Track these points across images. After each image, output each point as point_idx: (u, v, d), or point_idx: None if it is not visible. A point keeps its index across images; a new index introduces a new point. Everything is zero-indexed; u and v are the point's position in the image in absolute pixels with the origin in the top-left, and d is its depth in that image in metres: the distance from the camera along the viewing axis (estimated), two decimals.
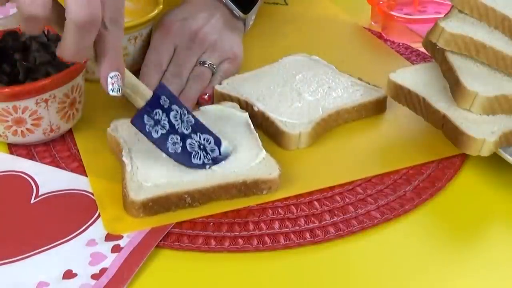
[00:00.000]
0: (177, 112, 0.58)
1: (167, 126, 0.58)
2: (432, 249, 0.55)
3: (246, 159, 0.59)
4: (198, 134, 0.59)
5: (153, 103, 0.57)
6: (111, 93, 0.54)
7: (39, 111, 0.62)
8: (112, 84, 0.54)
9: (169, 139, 0.57)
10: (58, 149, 0.65)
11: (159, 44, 0.73)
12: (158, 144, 0.58)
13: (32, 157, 0.64)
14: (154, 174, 0.57)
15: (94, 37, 0.52)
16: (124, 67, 0.55)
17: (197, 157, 0.58)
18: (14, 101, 0.61)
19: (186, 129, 0.58)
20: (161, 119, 0.57)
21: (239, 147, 0.61)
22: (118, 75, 0.54)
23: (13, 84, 0.61)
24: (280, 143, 0.65)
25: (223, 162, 0.59)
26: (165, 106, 0.58)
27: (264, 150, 0.60)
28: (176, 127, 0.58)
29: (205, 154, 0.58)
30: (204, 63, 0.73)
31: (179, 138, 0.58)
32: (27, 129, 0.63)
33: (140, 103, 0.57)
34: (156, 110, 0.57)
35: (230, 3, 0.79)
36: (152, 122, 0.57)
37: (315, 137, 0.66)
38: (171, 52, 0.74)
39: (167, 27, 0.75)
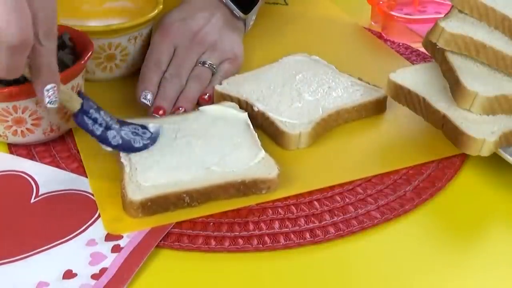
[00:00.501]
0: (103, 111, 0.62)
1: (104, 123, 0.61)
2: (432, 249, 0.55)
3: (245, 159, 0.59)
4: (124, 126, 0.62)
5: (87, 104, 0.60)
6: (48, 105, 0.56)
7: (39, 111, 0.62)
8: (49, 96, 0.56)
9: (108, 134, 0.60)
10: (58, 149, 0.65)
11: (158, 45, 0.73)
12: (102, 139, 0.60)
13: (32, 157, 0.64)
14: (152, 174, 0.57)
15: (27, 56, 0.52)
16: (59, 77, 0.56)
17: (137, 142, 0.61)
18: (14, 101, 0.61)
19: (115, 124, 0.61)
20: (97, 117, 0.60)
21: (238, 147, 0.61)
22: (54, 87, 0.55)
23: (13, 84, 0.61)
24: (280, 143, 0.65)
25: (222, 162, 0.59)
26: (95, 107, 0.61)
27: (263, 150, 0.60)
28: (109, 124, 0.61)
29: (141, 138, 0.61)
30: (204, 63, 0.73)
31: (114, 132, 0.61)
32: (27, 129, 0.63)
33: (77, 106, 0.59)
34: (91, 110, 0.60)
35: (231, 3, 0.79)
36: (91, 121, 0.60)
37: (315, 137, 0.66)
38: (171, 52, 0.74)
39: (166, 27, 0.75)
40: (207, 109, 0.66)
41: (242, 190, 0.58)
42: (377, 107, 0.70)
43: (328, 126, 0.67)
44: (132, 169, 0.58)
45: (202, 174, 0.58)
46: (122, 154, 0.60)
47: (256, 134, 0.63)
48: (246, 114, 0.65)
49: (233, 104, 0.67)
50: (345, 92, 0.70)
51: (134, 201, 0.55)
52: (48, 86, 0.55)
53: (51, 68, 0.55)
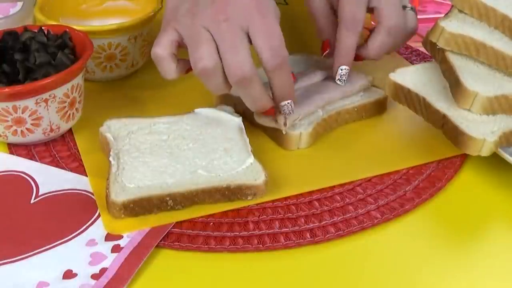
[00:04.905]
0: None
1: None
2: (432, 249, 0.55)
3: (234, 164, 0.59)
4: None
5: None
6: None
7: (39, 111, 0.62)
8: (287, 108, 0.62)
9: None
10: (58, 149, 0.65)
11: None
12: None
13: (32, 157, 0.64)
14: (138, 175, 0.57)
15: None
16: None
17: None
18: (14, 101, 0.61)
19: None
20: None
21: (228, 151, 0.60)
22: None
23: (13, 84, 0.61)
24: (281, 143, 0.65)
25: (210, 166, 0.59)
26: None
27: (252, 156, 0.60)
28: None
29: None
30: None
31: None
32: (27, 129, 0.63)
33: None
34: None
35: None
36: None
37: (315, 137, 0.66)
38: None
39: None
40: (202, 111, 0.66)
41: (228, 195, 0.57)
42: (378, 108, 0.70)
43: (328, 127, 0.67)
44: (119, 168, 0.58)
45: (187, 177, 0.57)
46: (111, 153, 0.60)
47: (248, 139, 0.62)
48: (240, 118, 0.65)
49: (229, 107, 0.67)
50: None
51: (116, 202, 0.55)
52: (283, 102, 0.61)
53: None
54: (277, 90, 0.60)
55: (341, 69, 0.67)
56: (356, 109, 0.68)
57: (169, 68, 0.60)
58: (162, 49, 0.59)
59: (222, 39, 0.57)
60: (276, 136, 0.65)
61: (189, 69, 0.60)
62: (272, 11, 0.59)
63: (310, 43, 0.86)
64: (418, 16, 0.89)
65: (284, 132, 0.63)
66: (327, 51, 0.70)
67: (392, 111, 0.71)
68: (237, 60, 0.57)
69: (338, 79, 0.67)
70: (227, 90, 0.60)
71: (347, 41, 0.66)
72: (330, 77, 0.71)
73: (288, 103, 0.61)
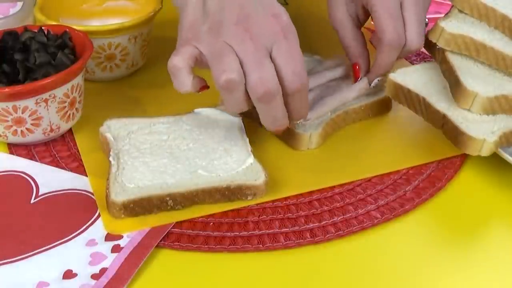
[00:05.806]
0: None
1: None
2: (432, 249, 0.55)
3: (234, 164, 0.59)
4: None
5: None
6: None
7: (39, 111, 0.62)
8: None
9: None
10: (58, 149, 0.65)
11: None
12: None
13: (32, 157, 0.64)
14: (138, 175, 0.57)
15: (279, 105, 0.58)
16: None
17: None
18: (14, 101, 0.61)
19: None
20: None
21: (228, 152, 0.60)
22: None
23: (13, 84, 0.61)
24: (291, 144, 0.65)
25: (210, 166, 0.59)
26: None
27: (252, 156, 0.60)
28: None
29: None
30: None
31: None
32: (27, 129, 0.63)
33: None
34: None
35: None
36: None
37: (325, 137, 0.65)
38: None
39: None
40: (202, 111, 0.66)
41: (228, 196, 0.57)
42: (384, 106, 0.70)
43: (337, 126, 0.67)
44: (119, 168, 0.58)
45: (187, 177, 0.57)
46: (111, 153, 0.60)
47: (248, 139, 0.62)
48: (240, 118, 0.65)
49: None
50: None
51: (116, 202, 0.55)
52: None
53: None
54: (294, 112, 0.60)
55: (378, 79, 0.69)
56: (362, 108, 0.68)
57: (185, 80, 0.57)
58: (181, 60, 0.57)
59: (246, 55, 0.56)
60: (287, 137, 0.65)
61: (203, 87, 0.59)
62: (295, 34, 0.59)
63: (311, 44, 0.86)
64: None
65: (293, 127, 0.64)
66: (360, 78, 0.70)
67: (392, 111, 0.71)
68: (262, 76, 0.56)
69: (373, 86, 0.70)
70: (246, 107, 0.58)
71: (390, 57, 0.67)
72: (339, 78, 0.70)
73: (301, 121, 0.63)
